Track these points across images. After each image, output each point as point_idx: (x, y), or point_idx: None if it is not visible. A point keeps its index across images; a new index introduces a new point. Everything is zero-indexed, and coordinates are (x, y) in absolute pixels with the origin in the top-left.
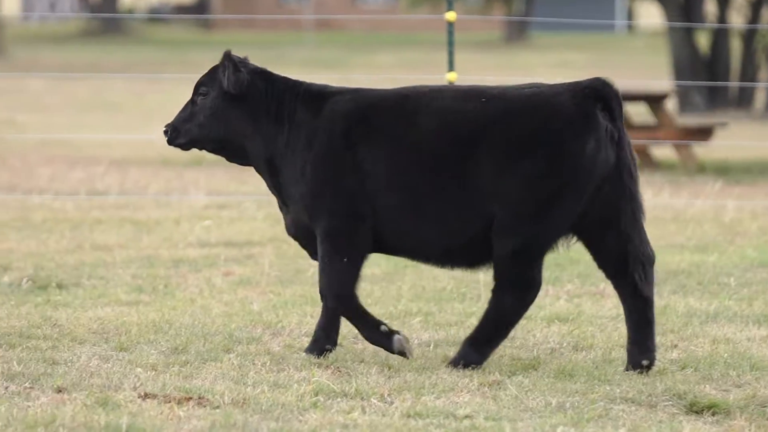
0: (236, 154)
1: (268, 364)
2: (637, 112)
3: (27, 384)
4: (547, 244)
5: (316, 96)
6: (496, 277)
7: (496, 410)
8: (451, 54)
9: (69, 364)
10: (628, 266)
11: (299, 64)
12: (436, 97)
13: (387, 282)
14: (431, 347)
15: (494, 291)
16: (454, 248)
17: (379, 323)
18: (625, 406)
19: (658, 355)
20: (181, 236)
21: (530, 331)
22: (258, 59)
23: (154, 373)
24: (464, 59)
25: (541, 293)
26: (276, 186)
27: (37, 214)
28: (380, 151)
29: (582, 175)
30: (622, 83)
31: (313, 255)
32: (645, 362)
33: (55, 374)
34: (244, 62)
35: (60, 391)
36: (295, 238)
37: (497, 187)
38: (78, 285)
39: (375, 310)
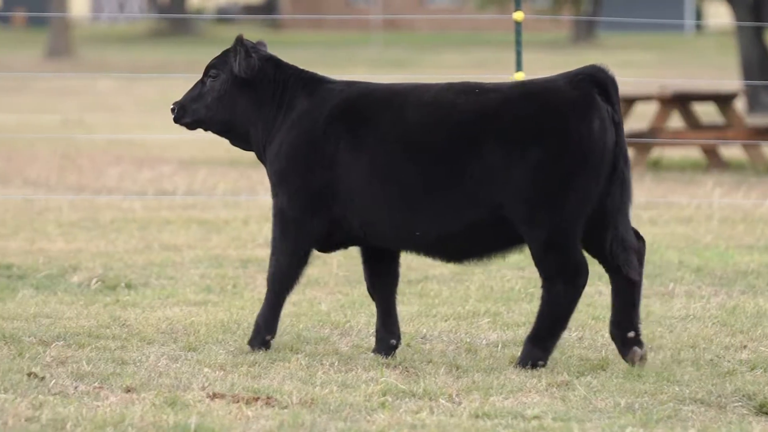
0: (240, 139)
1: (336, 364)
2: (705, 112)
3: (96, 384)
4: (574, 228)
5: (314, 84)
6: (541, 272)
7: (565, 411)
8: (518, 54)
9: (138, 363)
10: (615, 250)
11: (366, 64)
12: (427, 91)
13: (455, 282)
14: (499, 347)
15: (544, 285)
16: (448, 239)
17: (270, 333)
18: (695, 407)
19: (728, 355)
20: (249, 236)
21: (599, 332)
22: (326, 59)
23: (222, 373)
24: (532, 59)
25: (609, 293)
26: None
27: (106, 215)
28: (365, 144)
29: (593, 155)
30: (690, 83)
31: None
32: (631, 334)
33: (124, 374)
34: (256, 48)
35: (129, 390)
36: None
37: (505, 177)
38: (147, 285)
39: (443, 310)
